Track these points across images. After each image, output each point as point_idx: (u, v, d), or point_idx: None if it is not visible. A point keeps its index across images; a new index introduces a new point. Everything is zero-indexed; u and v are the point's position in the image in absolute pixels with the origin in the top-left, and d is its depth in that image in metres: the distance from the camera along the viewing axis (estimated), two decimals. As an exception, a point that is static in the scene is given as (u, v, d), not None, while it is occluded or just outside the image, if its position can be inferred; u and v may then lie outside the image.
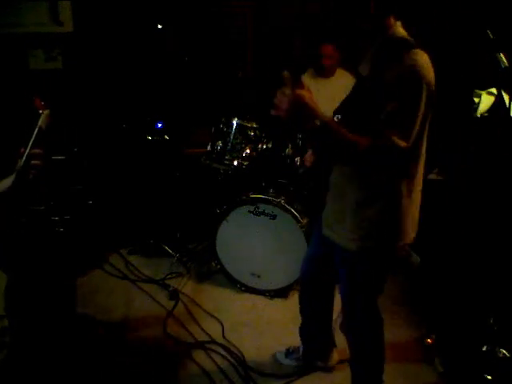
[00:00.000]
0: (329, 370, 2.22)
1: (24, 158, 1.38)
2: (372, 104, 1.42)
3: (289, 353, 2.30)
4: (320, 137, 1.36)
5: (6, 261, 1.64)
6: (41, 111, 1.46)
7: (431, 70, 1.41)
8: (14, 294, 1.53)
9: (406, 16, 1.52)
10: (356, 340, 1.86)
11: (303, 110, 1.27)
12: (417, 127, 1.38)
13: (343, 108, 1.59)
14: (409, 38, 1.49)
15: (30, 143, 1.41)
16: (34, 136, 1.42)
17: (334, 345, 2.24)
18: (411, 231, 1.63)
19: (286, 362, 2.29)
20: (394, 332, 1.94)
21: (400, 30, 1.50)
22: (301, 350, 2.26)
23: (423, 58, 1.40)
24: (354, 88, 1.61)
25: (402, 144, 1.35)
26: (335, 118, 1.57)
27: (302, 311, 2.14)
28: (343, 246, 1.64)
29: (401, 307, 2.64)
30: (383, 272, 1.70)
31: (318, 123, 1.29)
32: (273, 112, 1.30)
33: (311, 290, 2.05)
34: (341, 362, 2.25)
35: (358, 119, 1.47)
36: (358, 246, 1.60)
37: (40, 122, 1.45)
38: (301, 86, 1.29)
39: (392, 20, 1.49)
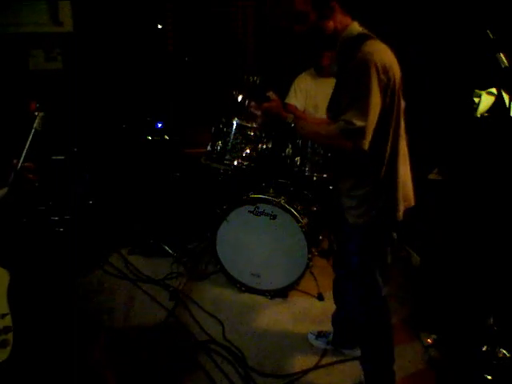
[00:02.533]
0: (355, 358, 2.23)
1: (18, 167, 1.44)
2: (340, 97, 1.66)
3: (320, 335, 2.39)
4: (295, 130, 1.79)
5: (8, 260, 1.64)
6: (36, 113, 1.52)
7: (385, 55, 1.58)
8: (17, 292, 1.54)
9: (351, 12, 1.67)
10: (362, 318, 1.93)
11: (275, 115, 1.83)
12: (372, 106, 1.53)
13: (330, 104, 1.80)
14: (364, 32, 1.65)
15: (27, 145, 1.46)
16: (30, 138, 1.48)
17: None
18: (401, 206, 1.75)
19: (316, 343, 2.39)
20: (394, 332, 1.96)
21: (355, 27, 1.67)
22: (331, 335, 2.34)
23: (374, 46, 1.57)
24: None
25: (359, 123, 1.52)
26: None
27: (334, 300, 2.26)
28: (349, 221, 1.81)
29: (401, 307, 2.64)
30: (378, 242, 1.80)
31: (290, 121, 1.78)
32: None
33: (343, 283, 2.12)
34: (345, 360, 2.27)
35: (336, 113, 1.67)
36: (361, 220, 1.75)
37: (35, 124, 1.51)
38: (272, 100, 1.86)
39: (339, 20, 1.65)
